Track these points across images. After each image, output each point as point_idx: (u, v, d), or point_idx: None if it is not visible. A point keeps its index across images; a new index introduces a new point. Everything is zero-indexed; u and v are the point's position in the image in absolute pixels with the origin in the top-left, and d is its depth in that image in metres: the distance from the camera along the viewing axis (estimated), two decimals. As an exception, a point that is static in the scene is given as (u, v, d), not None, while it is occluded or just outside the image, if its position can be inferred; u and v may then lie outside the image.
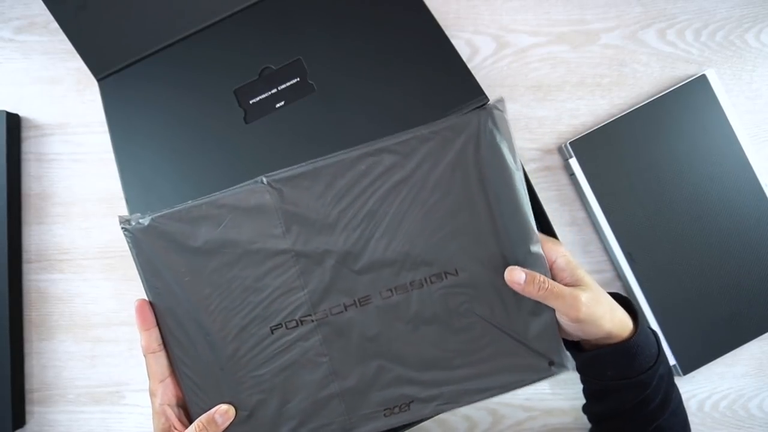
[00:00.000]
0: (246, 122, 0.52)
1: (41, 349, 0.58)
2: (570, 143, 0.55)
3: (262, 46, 0.54)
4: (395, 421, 0.43)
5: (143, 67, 0.55)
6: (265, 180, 0.42)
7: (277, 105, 0.52)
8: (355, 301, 0.43)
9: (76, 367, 0.58)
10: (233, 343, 0.43)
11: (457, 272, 0.42)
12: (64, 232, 0.58)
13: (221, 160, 0.51)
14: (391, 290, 0.43)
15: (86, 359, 0.58)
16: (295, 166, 0.43)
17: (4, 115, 0.57)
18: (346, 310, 0.43)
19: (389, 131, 0.49)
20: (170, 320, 0.43)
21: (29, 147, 0.59)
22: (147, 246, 0.42)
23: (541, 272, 0.41)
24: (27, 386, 0.57)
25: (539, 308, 0.41)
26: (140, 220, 0.42)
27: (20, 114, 0.59)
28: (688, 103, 0.55)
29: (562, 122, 0.58)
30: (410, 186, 0.42)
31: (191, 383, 0.42)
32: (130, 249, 0.42)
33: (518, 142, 0.57)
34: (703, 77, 0.56)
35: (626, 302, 0.44)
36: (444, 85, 0.50)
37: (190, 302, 0.43)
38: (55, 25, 0.54)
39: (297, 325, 0.43)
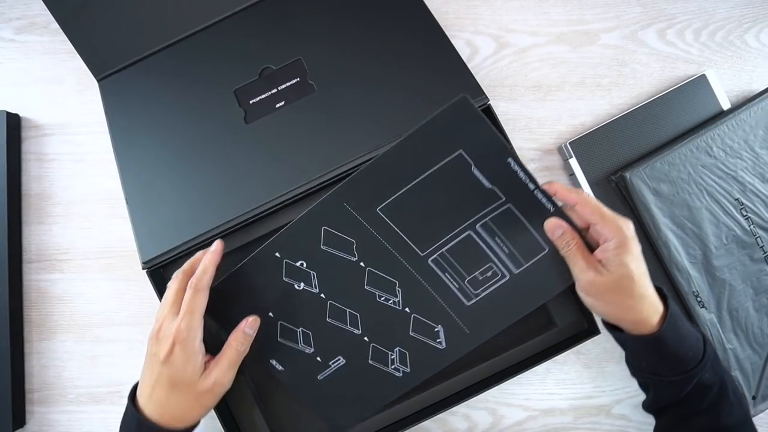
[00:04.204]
0: (246, 122, 0.52)
1: (41, 349, 0.58)
2: (570, 143, 0.55)
3: (262, 46, 0.54)
4: None
5: (143, 67, 0.55)
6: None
7: (277, 105, 0.52)
8: None
9: (76, 367, 0.58)
10: None
11: None
12: (64, 232, 0.58)
13: (221, 160, 0.51)
14: None
15: (86, 359, 0.58)
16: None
17: (4, 115, 0.57)
18: None
19: (389, 131, 0.50)
20: None
21: (29, 147, 0.59)
22: None
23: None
24: (27, 386, 0.57)
25: None
26: None
27: (20, 114, 0.59)
28: (688, 103, 0.55)
29: (562, 122, 0.58)
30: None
31: None
32: None
33: (518, 142, 0.57)
34: (703, 77, 0.56)
35: (665, 300, 0.44)
36: (444, 85, 0.50)
37: None
38: (56, 25, 0.54)
39: None
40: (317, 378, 0.49)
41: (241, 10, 0.55)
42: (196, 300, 0.42)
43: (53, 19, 0.54)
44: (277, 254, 0.47)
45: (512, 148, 0.45)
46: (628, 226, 0.42)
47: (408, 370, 0.49)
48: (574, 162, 0.55)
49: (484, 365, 0.52)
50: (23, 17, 0.60)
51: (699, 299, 0.53)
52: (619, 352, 0.56)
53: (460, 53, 0.51)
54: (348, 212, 0.46)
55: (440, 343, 0.48)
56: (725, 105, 0.56)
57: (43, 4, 0.54)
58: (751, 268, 0.54)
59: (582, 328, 0.53)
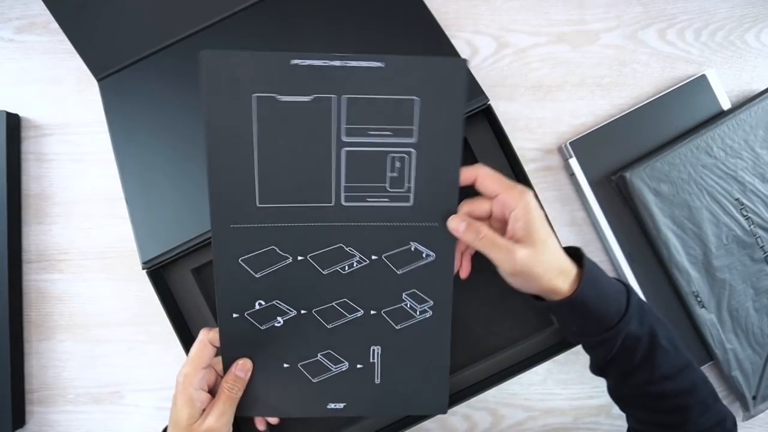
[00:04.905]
0: (246, 122, 0.52)
1: (41, 349, 0.58)
2: (570, 143, 0.55)
3: (262, 46, 0.54)
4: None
5: (143, 67, 0.55)
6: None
7: (277, 105, 0.52)
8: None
9: (76, 367, 0.58)
10: None
11: None
12: (64, 232, 0.58)
13: (221, 160, 0.51)
14: None
15: (86, 359, 0.58)
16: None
17: (4, 115, 0.57)
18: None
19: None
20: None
21: (29, 147, 0.59)
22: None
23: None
24: (27, 386, 0.57)
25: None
26: None
27: (20, 114, 0.59)
28: (688, 103, 0.55)
29: (562, 122, 0.58)
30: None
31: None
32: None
33: (518, 142, 0.57)
34: (703, 77, 0.56)
35: (580, 260, 0.43)
36: (444, 85, 0.50)
37: None
38: (55, 25, 0.54)
39: None
40: (376, 383, 0.46)
41: (241, 10, 0.55)
42: (197, 349, 0.44)
43: (53, 19, 0.54)
44: (234, 315, 0.44)
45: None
46: (528, 192, 0.41)
47: (431, 302, 0.45)
48: (574, 162, 0.55)
49: (484, 365, 0.52)
50: (23, 17, 0.60)
51: (699, 299, 0.53)
52: (619, 352, 0.56)
53: (460, 53, 0.51)
54: (240, 230, 0.42)
55: (428, 256, 0.44)
56: (725, 105, 0.56)
57: (43, 4, 0.54)
58: (751, 268, 0.54)
59: (582, 328, 0.53)
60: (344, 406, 0.46)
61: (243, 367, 0.44)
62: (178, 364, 0.57)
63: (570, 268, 0.42)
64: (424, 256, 0.44)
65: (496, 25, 0.59)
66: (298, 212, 0.42)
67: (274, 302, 0.44)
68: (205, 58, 0.38)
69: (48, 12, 0.54)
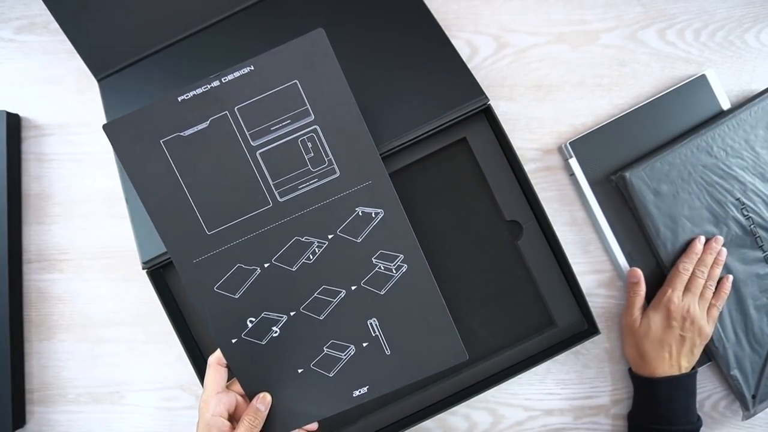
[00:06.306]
0: (246, 122, 0.52)
1: (41, 349, 0.58)
2: (570, 143, 0.55)
3: (263, 46, 0.54)
4: None
5: (143, 67, 0.55)
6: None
7: (277, 105, 0.52)
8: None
9: (76, 367, 0.58)
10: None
11: None
12: (64, 232, 0.58)
13: (221, 160, 0.51)
14: None
15: (86, 359, 0.58)
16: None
17: (4, 115, 0.57)
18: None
19: (389, 131, 0.50)
20: None
21: (29, 147, 0.59)
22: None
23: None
24: (27, 386, 0.58)
25: None
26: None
27: (20, 114, 0.59)
28: (688, 103, 0.55)
29: (562, 122, 0.58)
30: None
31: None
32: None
33: (518, 142, 0.57)
34: (703, 77, 0.56)
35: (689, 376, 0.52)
36: (444, 85, 0.50)
37: None
38: (55, 25, 0.54)
39: None
40: (387, 355, 0.46)
41: (241, 10, 0.55)
42: (208, 375, 0.44)
43: (53, 19, 0.54)
44: (233, 341, 0.45)
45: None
46: (670, 298, 0.52)
47: (401, 256, 0.45)
48: (574, 162, 0.55)
49: (484, 365, 0.52)
50: (23, 17, 0.60)
51: (699, 299, 0.53)
52: (619, 353, 0.56)
53: (460, 53, 0.51)
54: (203, 262, 0.45)
55: (377, 214, 0.45)
56: (725, 105, 0.56)
57: (43, 4, 0.54)
58: (751, 268, 0.54)
59: (582, 328, 0.53)
60: (368, 388, 0.46)
61: (263, 401, 0.44)
62: (178, 364, 0.57)
63: (668, 369, 0.51)
64: (373, 215, 0.45)
65: (496, 25, 0.59)
66: (246, 224, 0.45)
67: (262, 315, 0.45)
68: (108, 129, 0.43)
69: (48, 12, 0.54)
